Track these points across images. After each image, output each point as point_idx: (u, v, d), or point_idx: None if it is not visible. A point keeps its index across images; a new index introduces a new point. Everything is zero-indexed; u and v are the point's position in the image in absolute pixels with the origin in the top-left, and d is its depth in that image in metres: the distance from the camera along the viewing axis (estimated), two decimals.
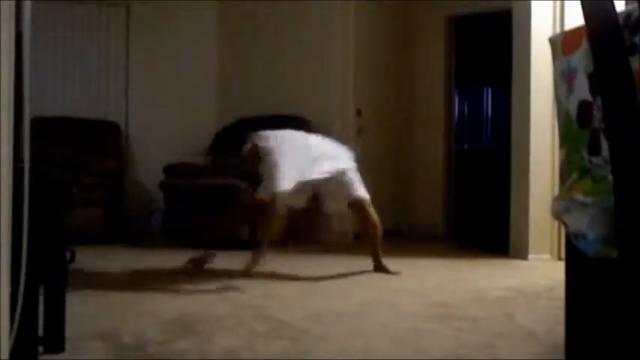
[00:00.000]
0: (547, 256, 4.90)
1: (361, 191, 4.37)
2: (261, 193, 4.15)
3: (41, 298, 2.26)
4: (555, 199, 1.63)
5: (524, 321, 2.96)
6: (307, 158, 4.19)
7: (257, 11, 6.79)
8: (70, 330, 2.38)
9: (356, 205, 4.41)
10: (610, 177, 1.32)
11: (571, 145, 1.62)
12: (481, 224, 6.31)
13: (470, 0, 6.61)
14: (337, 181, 4.30)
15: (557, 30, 4.83)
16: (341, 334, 2.71)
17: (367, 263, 4.36)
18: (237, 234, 5.54)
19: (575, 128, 1.58)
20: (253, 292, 3.69)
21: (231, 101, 6.98)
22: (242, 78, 6.93)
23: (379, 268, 4.34)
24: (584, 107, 1.54)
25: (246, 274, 4.07)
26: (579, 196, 1.50)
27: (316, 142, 4.41)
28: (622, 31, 1.30)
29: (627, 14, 1.38)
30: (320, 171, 4.21)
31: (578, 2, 1.27)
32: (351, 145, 4.74)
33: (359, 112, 6.38)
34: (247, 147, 4.30)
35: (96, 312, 3.09)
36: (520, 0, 5.09)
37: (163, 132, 6.80)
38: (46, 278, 2.29)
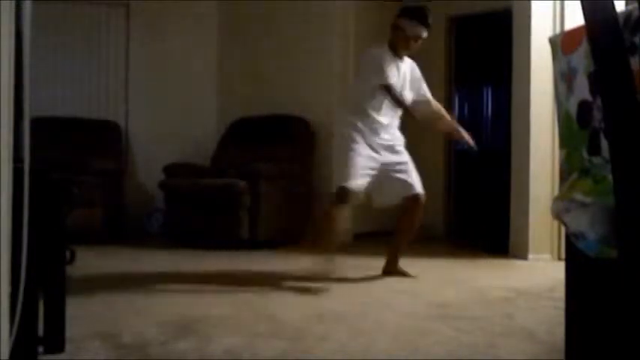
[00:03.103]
0: (547, 256, 4.90)
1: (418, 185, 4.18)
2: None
3: (41, 299, 2.26)
4: (555, 199, 1.63)
5: (524, 321, 2.96)
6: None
7: (257, 11, 6.79)
8: (70, 330, 2.38)
9: (411, 199, 4.18)
10: (610, 177, 1.32)
11: (571, 145, 1.62)
12: (481, 224, 6.31)
13: (470, 0, 6.61)
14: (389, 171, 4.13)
15: (557, 30, 4.83)
16: (341, 334, 2.71)
17: (368, 263, 4.36)
18: (238, 234, 5.54)
19: (575, 128, 1.58)
20: (253, 292, 3.69)
21: (231, 101, 6.98)
22: (242, 78, 6.93)
23: (390, 271, 4.18)
24: (584, 107, 1.54)
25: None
26: (579, 196, 1.50)
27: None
28: (622, 31, 1.30)
29: (627, 14, 1.38)
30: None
31: (578, 2, 1.27)
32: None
33: None
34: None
35: (96, 312, 3.09)
36: (520, 0, 5.09)
37: (163, 132, 6.80)
38: (45, 278, 2.29)
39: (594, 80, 1.47)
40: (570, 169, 1.61)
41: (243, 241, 5.50)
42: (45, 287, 2.29)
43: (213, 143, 6.71)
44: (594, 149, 1.49)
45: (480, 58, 7.39)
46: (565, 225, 1.56)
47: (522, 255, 4.96)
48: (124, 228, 6.28)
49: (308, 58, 6.44)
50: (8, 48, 1.53)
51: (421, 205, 4.20)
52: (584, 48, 1.52)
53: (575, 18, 4.31)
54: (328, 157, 6.26)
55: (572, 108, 1.58)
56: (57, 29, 6.55)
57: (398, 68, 4.19)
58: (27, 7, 1.73)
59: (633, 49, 1.34)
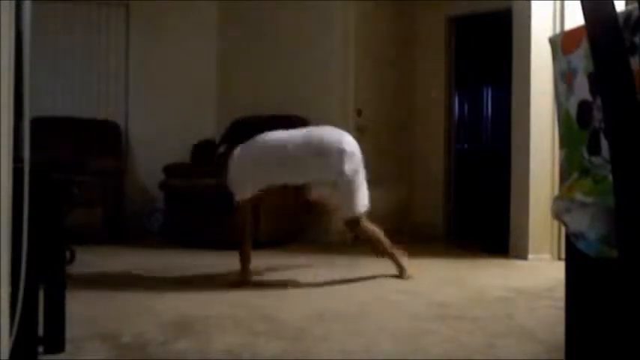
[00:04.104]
0: (547, 256, 4.90)
1: (353, 207, 4.05)
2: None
3: (41, 298, 2.26)
4: (555, 199, 1.63)
5: (524, 321, 2.96)
6: (276, 166, 4.13)
7: (257, 11, 6.80)
8: (70, 330, 2.38)
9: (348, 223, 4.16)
10: (610, 177, 1.32)
11: (571, 145, 1.62)
12: (481, 224, 6.31)
13: (470, 0, 6.61)
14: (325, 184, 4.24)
15: (557, 30, 4.83)
16: (341, 334, 2.71)
17: (368, 263, 4.36)
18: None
19: (575, 128, 1.58)
20: (253, 291, 3.69)
21: (231, 101, 6.98)
22: (242, 78, 6.93)
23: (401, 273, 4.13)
24: (584, 107, 1.54)
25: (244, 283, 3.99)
26: (579, 196, 1.50)
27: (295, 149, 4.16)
28: (622, 31, 1.30)
29: (627, 14, 1.38)
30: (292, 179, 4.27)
31: (578, 2, 1.27)
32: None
33: (359, 112, 6.38)
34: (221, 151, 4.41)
35: (96, 312, 3.09)
36: (520, 0, 5.09)
37: (163, 132, 6.81)
38: (46, 278, 2.29)
39: (594, 80, 1.47)
40: (570, 169, 1.61)
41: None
42: (45, 287, 2.30)
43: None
44: (594, 149, 1.49)
45: (480, 58, 7.40)
46: (565, 225, 1.56)
47: (522, 255, 4.96)
48: (124, 228, 6.28)
49: (308, 58, 6.45)
50: (8, 48, 1.53)
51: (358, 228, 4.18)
52: (584, 48, 1.52)
53: (575, 18, 4.31)
54: None
55: (572, 108, 1.58)
56: (57, 29, 6.56)
57: None
58: (27, 7, 1.73)
59: (633, 49, 1.34)
